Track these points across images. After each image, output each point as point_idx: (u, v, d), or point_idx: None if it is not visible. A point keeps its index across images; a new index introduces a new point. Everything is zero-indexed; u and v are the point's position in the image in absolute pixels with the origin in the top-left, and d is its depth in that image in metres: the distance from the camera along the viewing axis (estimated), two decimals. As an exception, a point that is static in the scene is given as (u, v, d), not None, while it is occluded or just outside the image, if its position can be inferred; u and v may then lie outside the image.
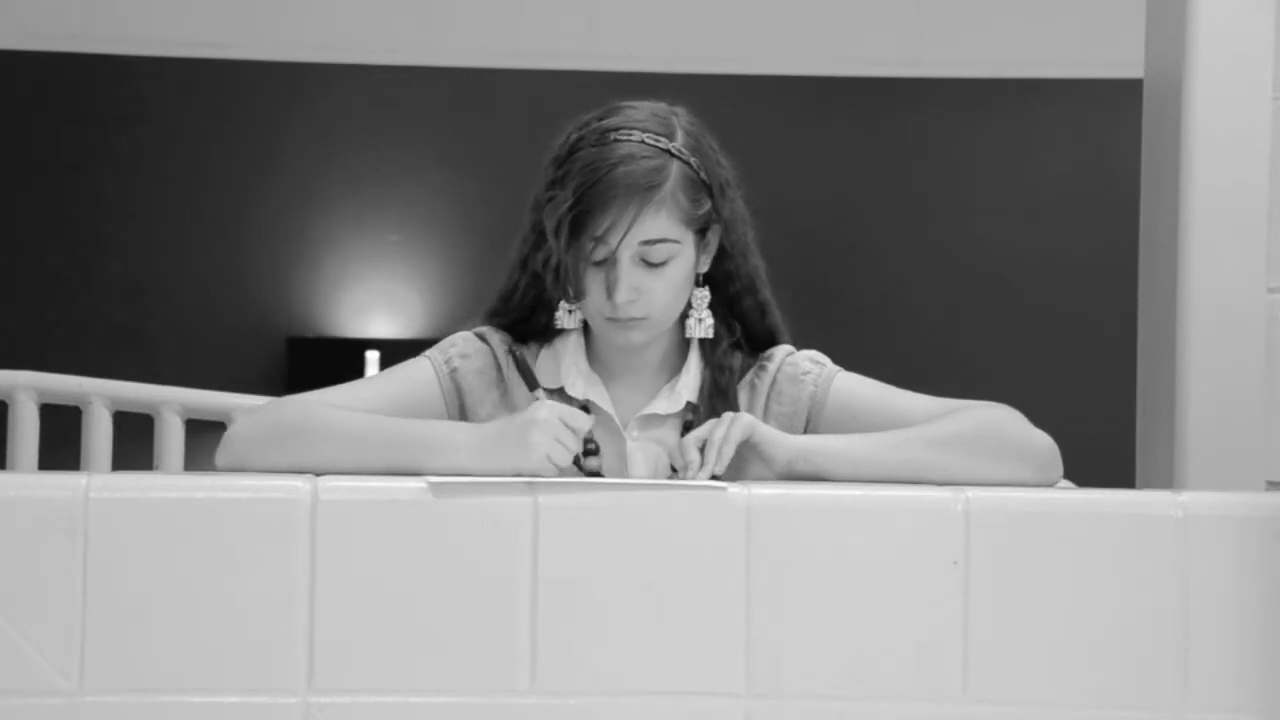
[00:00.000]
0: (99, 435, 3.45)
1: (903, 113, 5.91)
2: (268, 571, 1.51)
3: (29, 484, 1.53)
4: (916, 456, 1.68)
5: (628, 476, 1.81)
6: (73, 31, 5.71)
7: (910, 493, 1.57)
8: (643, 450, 1.84)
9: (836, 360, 1.89)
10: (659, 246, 1.76)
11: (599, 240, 1.75)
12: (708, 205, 1.80)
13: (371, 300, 5.88)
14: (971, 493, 1.55)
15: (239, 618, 1.51)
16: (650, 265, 1.76)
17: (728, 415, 1.71)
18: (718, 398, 1.84)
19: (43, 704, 1.49)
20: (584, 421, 1.64)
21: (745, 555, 1.53)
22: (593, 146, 1.76)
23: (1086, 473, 2.70)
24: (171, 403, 3.49)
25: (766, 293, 1.90)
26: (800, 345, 1.91)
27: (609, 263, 1.76)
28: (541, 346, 1.88)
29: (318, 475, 1.55)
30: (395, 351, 1.70)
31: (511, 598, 1.52)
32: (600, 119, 1.79)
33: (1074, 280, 5.78)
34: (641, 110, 1.80)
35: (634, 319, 1.78)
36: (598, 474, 1.79)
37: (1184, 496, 1.57)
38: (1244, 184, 2.12)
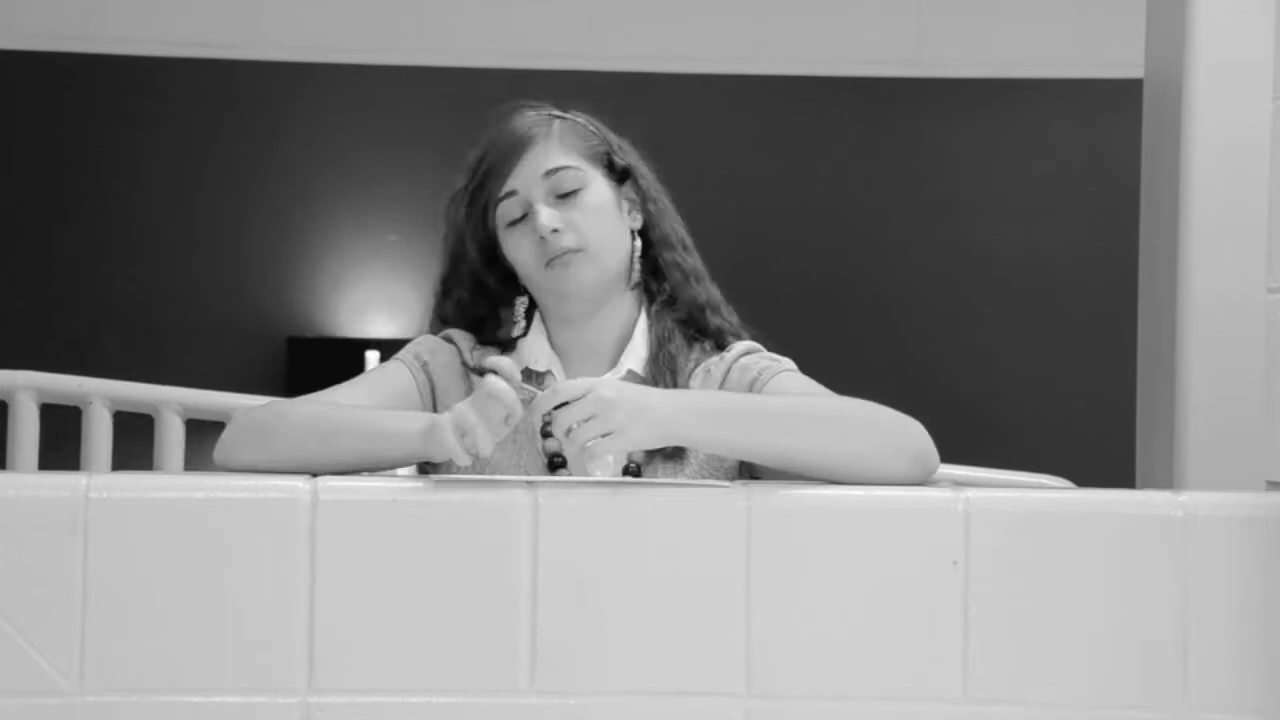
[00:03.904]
0: (99, 435, 3.45)
1: (903, 113, 5.91)
2: (268, 571, 1.51)
3: (29, 484, 1.53)
4: (783, 419, 1.64)
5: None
6: (73, 31, 5.70)
7: (910, 493, 1.57)
8: None
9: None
10: (563, 174, 1.86)
11: (509, 193, 1.86)
12: (603, 146, 1.91)
13: (371, 300, 5.87)
14: (972, 493, 1.55)
15: (239, 618, 1.51)
16: (562, 198, 1.86)
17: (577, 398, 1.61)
18: (663, 364, 1.88)
19: (43, 704, 1.49)
20: (508, 396, 1.60)
21: (745, 555, 1.53)
22: (489, 136, 1.92)
23: (1086, 473, 2.70)
24: (171, 403, 3.49)
25: (684, 256, 1.95)
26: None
27: (528, 216, 1.86)
28: (505, 351, 1.91)
29: (315, 475, 1.55)
30: (395, 351, 1.70)
31: (511, 598, 1.52)
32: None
33: (1074, 280, 5.77)
34: (537, 105, 1.96)
35: (569, 250, 1.84)
36: (558, 454, 1.81)
37: (1184, 496, 1.57)
38: (1244, 184, 2.12)
